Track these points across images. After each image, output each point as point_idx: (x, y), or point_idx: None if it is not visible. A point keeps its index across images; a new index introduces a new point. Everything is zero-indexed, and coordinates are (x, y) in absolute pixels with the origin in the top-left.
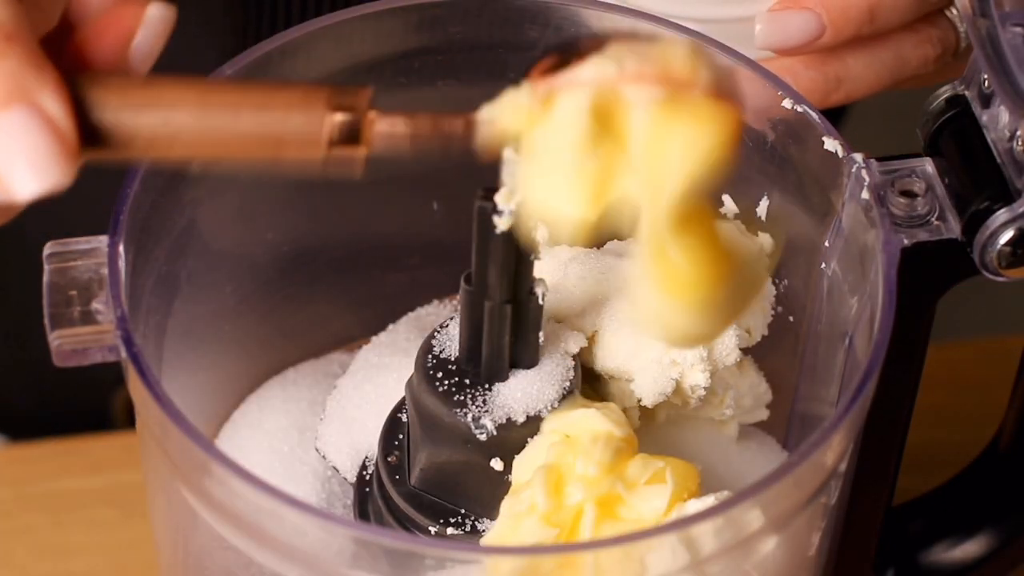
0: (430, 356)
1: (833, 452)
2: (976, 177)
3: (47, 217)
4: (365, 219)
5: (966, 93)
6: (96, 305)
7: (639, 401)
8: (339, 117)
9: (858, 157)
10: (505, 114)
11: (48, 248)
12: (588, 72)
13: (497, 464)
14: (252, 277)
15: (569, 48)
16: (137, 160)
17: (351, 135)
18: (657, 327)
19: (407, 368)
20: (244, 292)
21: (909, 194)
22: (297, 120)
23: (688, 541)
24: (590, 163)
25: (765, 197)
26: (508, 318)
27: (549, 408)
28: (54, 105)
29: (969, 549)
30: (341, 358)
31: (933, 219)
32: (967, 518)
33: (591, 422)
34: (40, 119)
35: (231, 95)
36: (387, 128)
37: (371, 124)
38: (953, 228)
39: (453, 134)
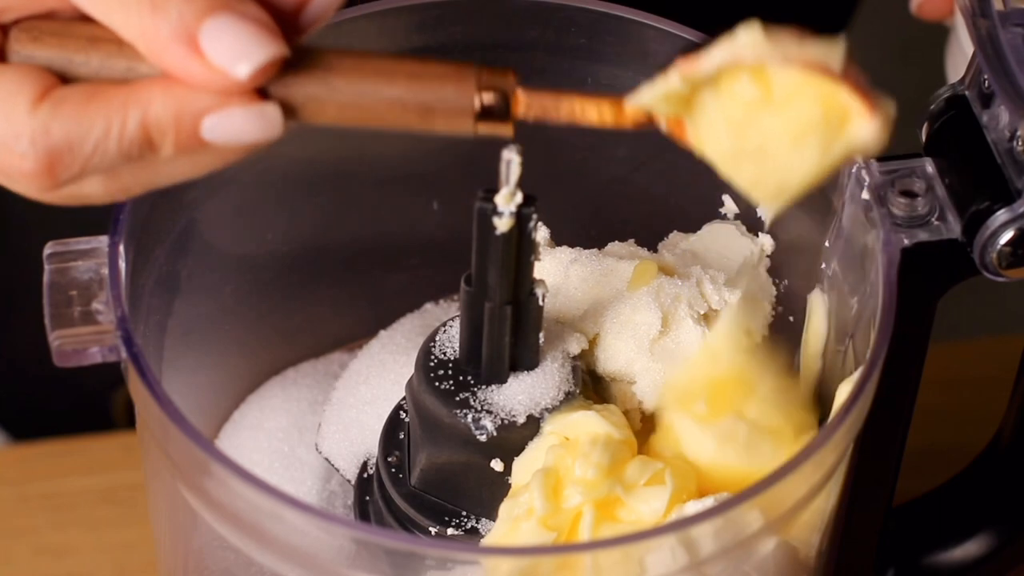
0: (430, 356)
1: (833, 452)
2: (976, 177)
3: (46, 217)
4: (365, 219)
5: (966, 93)
6: (96, 305)
7: (640, 404)
8: (488, 95)
9: (858, 157)
10: (655, 99)
11: (48, 248)
12: (731, 46)
13: (497, 465)
14: (252, 277)
15: (703, 44)
16: (295, 118)
17: (499, 112)
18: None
19: (407, 368)
20: (244, 292)
21: (909, 194)
22: (448, 93)
23: (687, 542)
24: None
25: None
26: (508, 319)
27: (549, 409)
28: (256, 10)
29: (969, 549)
30: (341, 358)
31: (933, 219)
32: (967, 518)
33: (590, 424)
34: (245, 18)
35: (385, 64)
36: (534, 110)
37: (518, 103)
38: (953, 228)
39: (601, 118)
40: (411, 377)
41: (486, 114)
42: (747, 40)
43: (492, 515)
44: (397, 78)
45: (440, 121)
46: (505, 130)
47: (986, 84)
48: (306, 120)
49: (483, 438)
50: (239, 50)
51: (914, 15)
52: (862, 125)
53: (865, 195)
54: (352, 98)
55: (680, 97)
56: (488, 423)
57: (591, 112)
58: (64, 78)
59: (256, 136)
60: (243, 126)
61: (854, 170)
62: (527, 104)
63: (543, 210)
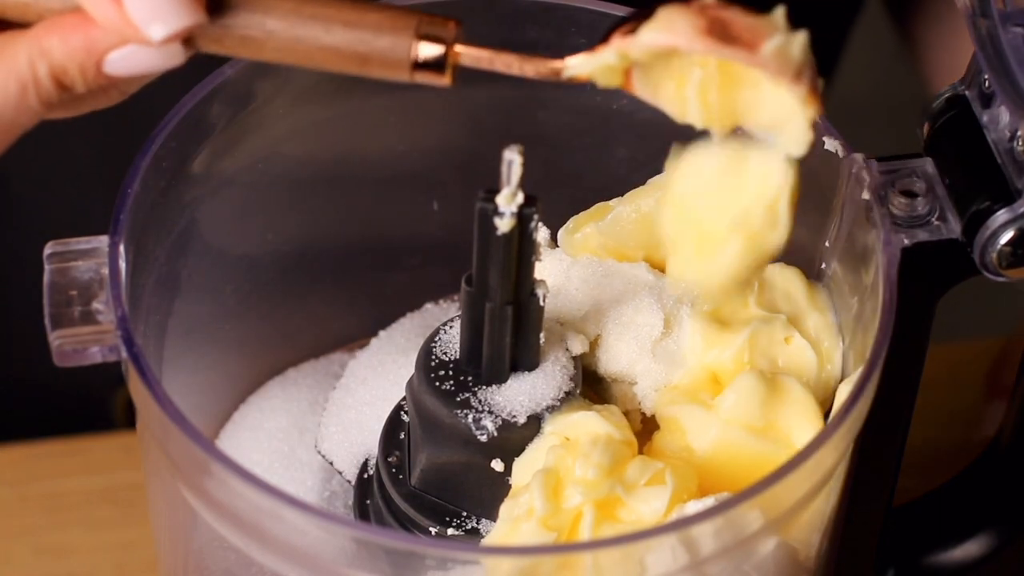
0: (431, 356)
1: (833, 452)
2: (976, 177)
3: (45, 217)
4: (365, 219)
5: (966, 93)
6: (96, 305)
7: (640, 404)
8: (425, 46)
9: (858, 157)
10: (592, 71)
11: (48, 248)
12: (667, 27)
13: (497, 465)
14: (252, 277)
15: (641, 16)
16: (230, 55)
17: (436, 64)
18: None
19: (407, 368)
20: (244, 292)
21: (909, 194)
22: (384, 43)
23: (688, 542)
24: None
25: None
26: (509, 320)
27: (549, 410)
28: None
29: (969, 549)
30: (341, 358)
31: (933, 219)
32: (967, 518)
33: (590, 424)
34: None
35: (323, 9)
36: (471, 63)
37: (456, 57)
38: (953, 228)
39: (537, 77)
40: (411, 377)
41: (423, 65)
42: (682, 25)
43: (492, 515)
44: (334, 26)
45: (376, 70)
46: (442, 80)
47: (986, 84)
48: (244, 55)
49: (483, 438)
50: (157, 11)
51: None
52: (799, 113)
53: (865, 195)
54: (288, 43)
55: (616, 69)
56: (488, 423)
57: (528, 70)
58: None
59: (157, 67)
60: (144, 60)
61: (854, 170)
62: (464, 56)
63: (544, 211)
